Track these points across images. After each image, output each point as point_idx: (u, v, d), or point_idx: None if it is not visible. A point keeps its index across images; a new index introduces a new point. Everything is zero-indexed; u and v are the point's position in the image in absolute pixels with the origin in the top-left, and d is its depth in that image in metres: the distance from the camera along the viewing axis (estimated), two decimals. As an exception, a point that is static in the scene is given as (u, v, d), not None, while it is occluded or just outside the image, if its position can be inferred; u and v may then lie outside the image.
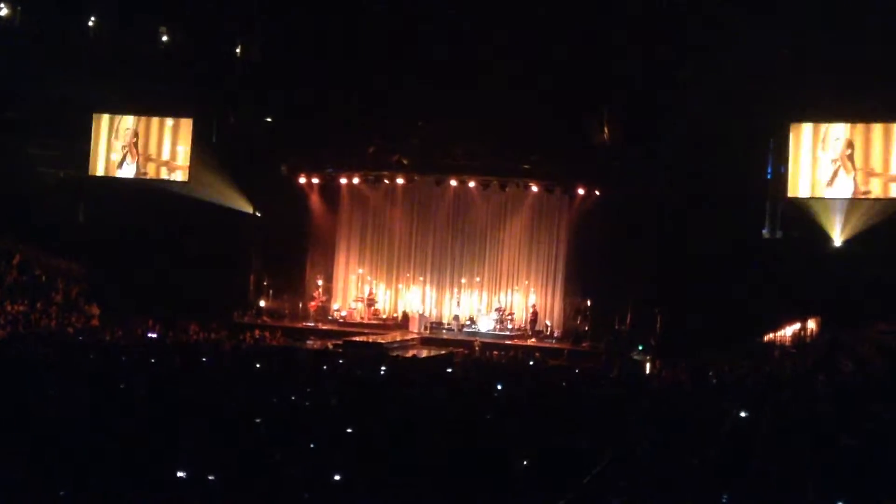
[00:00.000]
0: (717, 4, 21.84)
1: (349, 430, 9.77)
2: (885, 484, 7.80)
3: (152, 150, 26.42)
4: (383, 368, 16.22)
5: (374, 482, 7.83)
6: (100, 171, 26.62)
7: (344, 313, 26.89)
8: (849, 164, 22.00)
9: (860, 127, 22.09)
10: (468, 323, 26.11)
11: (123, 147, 26.45)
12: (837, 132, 22.21)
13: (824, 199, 22.51)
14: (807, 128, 22.53)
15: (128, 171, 26.52)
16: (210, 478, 7.69)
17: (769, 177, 23.71)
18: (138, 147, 26.43)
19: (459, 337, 25.02)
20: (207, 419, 9.80)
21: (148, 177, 26.46)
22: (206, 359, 16.42)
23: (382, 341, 22.88)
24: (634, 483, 8.02)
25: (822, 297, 20.87)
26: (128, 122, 26.52)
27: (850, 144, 22.04)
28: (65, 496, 7.08)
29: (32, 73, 24.36)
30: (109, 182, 26.59)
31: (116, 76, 24.98)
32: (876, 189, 22.05)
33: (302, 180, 27.16)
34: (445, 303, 27.03)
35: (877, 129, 21.99)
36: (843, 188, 22.16)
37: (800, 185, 22.57)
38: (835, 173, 22.11)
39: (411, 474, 8.01)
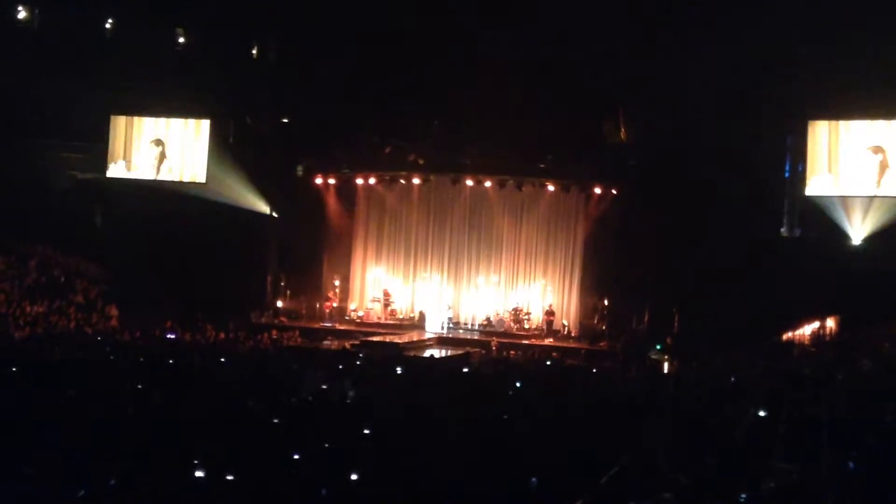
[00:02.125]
0: (735, 2, 21.77)
1: (366, 431, 9.80)
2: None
3: (171, 152, 26.54)
4: (399, 369, 16.22)
5: (390, 481, 7.85)
6: (118, 172, 26.70)
7: (361, 313, 26.92)
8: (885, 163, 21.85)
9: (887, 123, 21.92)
10: (485, 323, 26.12)
11: (149, 159, 26.56)
12: (873, 141, 22.06)
13: (843, 196, 22.39)
14: (834, 126, 22.35)
15: (153, 174, 26.64)
16: (228, 478, 7.72)
17: (787, 175, 23.60)
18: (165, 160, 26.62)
19: (476, 337, 25.04)
20: (225, 419, 9.85)
21: (167, 179, 26.56)
22: (225, 359, 16.49)
23: (399, 341, 22.88)
24: (652, 483, 8.00)
25: (841, 296, 20.76)
26: (151, 132, 26.63)
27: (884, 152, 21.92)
28: (84, 496, 7.12)
29: (50, 75, 24.48)
30: (127, 184, 26.68)
31: (134, 78, 25.06)
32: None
33: (318, 181, 27.21)
34: (463, 302, 27.01)
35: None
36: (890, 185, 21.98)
37: (820, 183, 22.44)
38: (882, 171, 21.93)
39: (427, 473, 8.02)
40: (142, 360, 15.65)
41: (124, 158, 26.57)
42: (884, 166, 21.82)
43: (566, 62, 23.05)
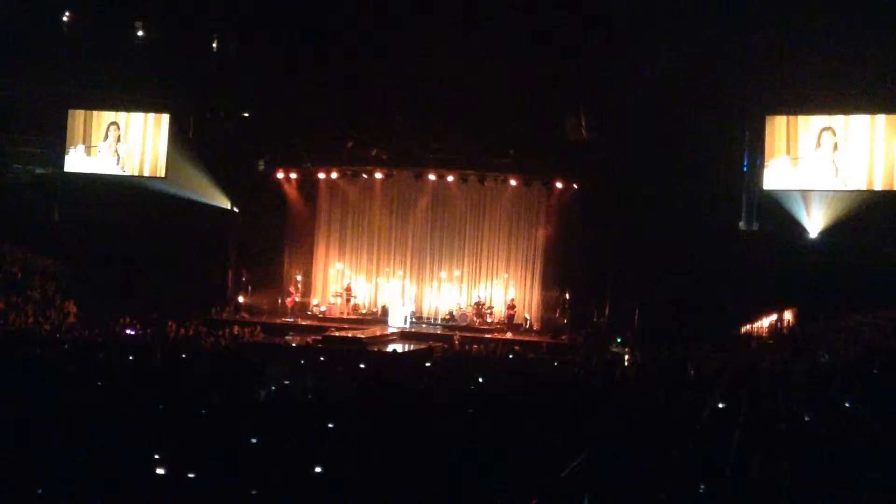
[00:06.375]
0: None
1: (330, 426, 9.79)
2: (859, 470, 7.89)
3: (132, 146, 26.22)
4: (362, 364, 16.21)
5: (355, 476, 7.86)
6: (76, 167, 26.36)
7: (323, 308, 26.87)
8: (840, 156, 21.98)
9: (846, 118, 22.06)
10: (448, 317, 26.19)
11: (109, 143, 26.22)
12: (827, 123, 22.19)
13: (801, 191, 22.60)
14: (793, 120, 22.50)
15: (112, 168, 26.27)
16: (190, 475, 7.68)
17: (745, 169, 23.81)
18: (121, 143, 26.24)
19: (439, 331, 25.08)
20: (187, 416, 9.79)
21: (126, 173, 26.28)
22: (186, 355, 16.37)
23: (362, 336, 22.86)
24: (612, 475, 8.07)
25: (798, 289, 21.02)
26: (110, 117, 26.27)
27: (835, 134, 22.03)
28: (42, 494, 7.06)
29: (6, 68, 24.14)
30: (85, 179, 26.36)
31: (92, 72, 24.79)
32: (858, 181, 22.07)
33: (280, 175, 27.10)
34: (425, 296, 27.04)
35: (856, 120, 22.03)
36: (844, 180, 22.09)
37: (778, 177, 22.63)
38: (834, 165, 22.05)
39: (390, 467, 8.03)
40: (101, 356, 15.49)
41: (83, 143, 26.18)
42: (835, 148, 21.95)
43: (529, 59, 23.12)
